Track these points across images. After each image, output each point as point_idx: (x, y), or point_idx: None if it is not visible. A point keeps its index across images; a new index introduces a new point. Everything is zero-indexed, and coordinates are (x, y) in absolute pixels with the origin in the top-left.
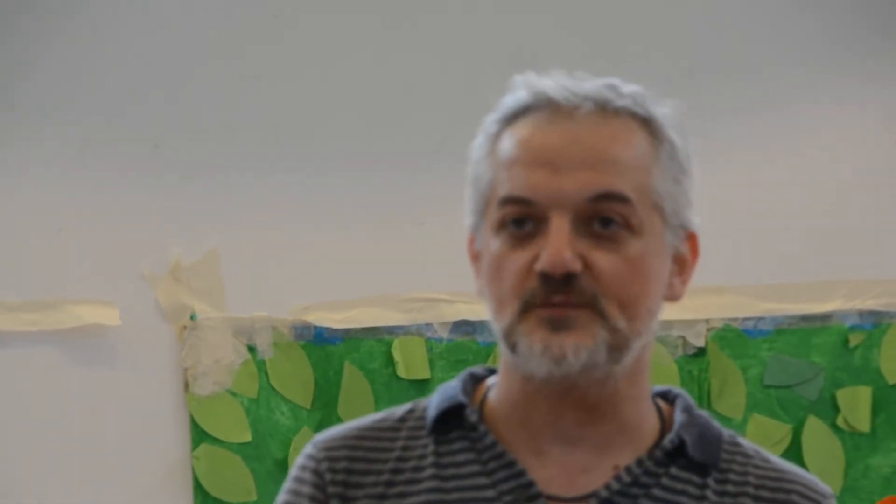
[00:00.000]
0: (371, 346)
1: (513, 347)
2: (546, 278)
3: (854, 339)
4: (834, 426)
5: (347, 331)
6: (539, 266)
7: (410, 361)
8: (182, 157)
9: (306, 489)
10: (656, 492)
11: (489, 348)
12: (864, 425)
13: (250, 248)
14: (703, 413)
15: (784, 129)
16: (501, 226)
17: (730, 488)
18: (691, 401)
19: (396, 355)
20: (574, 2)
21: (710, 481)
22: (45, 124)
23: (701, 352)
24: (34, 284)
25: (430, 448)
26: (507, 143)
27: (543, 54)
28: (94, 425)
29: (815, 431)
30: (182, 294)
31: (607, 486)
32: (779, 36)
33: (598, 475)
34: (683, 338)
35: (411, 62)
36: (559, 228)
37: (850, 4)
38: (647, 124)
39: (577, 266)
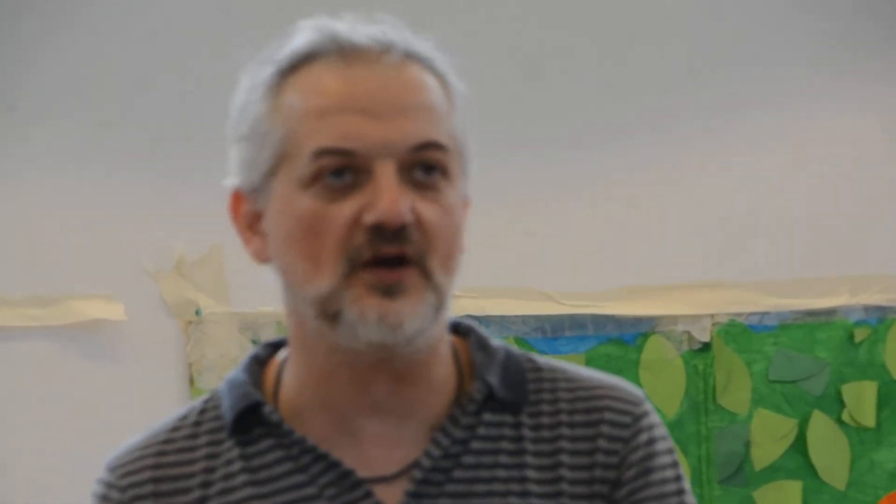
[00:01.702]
0: None
1: (335, 316)
2: (377, 231)
3: (859, 335)
4: (839, 421)
5: None
6: (373, 217)
7: None
8: (186, 151)
9: None
10: (475, 444)
11: None
12: (869, 420)
13: None
14: (500, 344)
15: (789, 125)
16: (315, 179)
17: (545, 420)
18: (483, 333)
19: None
20: (575, 2)
21: (524, 418)
22: (48, 121)
23: (706, 347)
24: (39, 280)
25: (236, 452)
26: (305, 92)
27: (545, 54)
28: (99, 421)
29: (821, 426)
30: (187, 289)
31: (427, 454)
32: (779, 36)
33: (416, 442)
34: (689, 333)
35: None
36: (388, 178)
37: (850, 4)
38: (435, 69)
39: (410, 217)
